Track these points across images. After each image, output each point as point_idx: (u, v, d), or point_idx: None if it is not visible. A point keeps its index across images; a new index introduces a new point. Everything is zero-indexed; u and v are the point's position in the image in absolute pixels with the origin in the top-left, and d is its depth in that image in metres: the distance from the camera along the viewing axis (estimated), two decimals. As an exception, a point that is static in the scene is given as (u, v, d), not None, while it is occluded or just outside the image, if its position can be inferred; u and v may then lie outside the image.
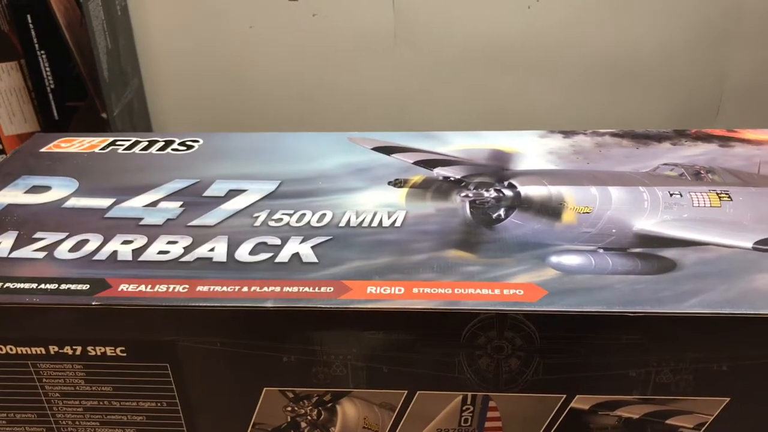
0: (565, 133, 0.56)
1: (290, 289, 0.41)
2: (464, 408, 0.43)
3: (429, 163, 0.53)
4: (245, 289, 0.41)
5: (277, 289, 0.41)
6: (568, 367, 0.41)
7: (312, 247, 0.45)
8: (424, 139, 0.56)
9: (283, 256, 0.44)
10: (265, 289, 0.41)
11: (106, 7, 1.11)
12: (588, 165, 0.52)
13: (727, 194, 0.48)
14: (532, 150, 0.54)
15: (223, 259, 0.44)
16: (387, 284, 0.41)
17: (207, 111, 1.32)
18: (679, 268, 0.42)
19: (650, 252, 0.43)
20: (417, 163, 0.53)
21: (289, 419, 0.44)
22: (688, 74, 1.25)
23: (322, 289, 0.41)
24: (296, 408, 0.44)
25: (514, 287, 0.41)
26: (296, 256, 0.44)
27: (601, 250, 0.44)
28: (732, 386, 0.41)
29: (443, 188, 0.50)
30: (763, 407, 0.41)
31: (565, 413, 0.43)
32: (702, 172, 0.50)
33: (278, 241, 0.45)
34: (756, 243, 0.43)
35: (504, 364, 0.41)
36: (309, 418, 0.44)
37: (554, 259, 0.43)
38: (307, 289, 0.41)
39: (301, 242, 0.45)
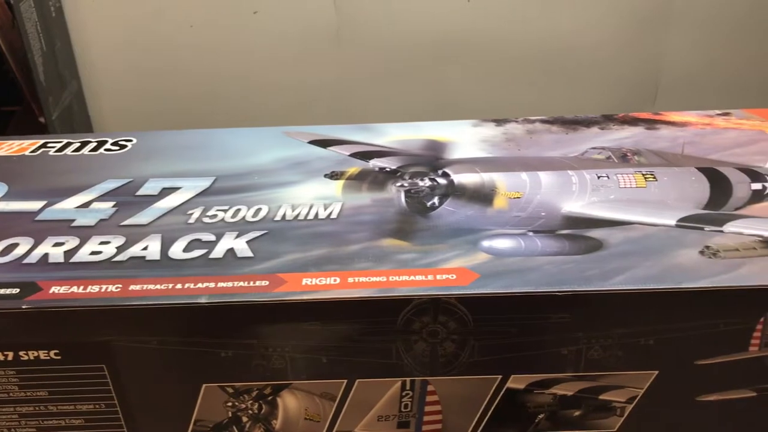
0: (497, 121, 0.57)
1: (225, 285, 0.41)
2: (404, 393, 0.44)
3: (365, 155, 0.53)
4: (179, 286, 0.41)
5: (212, 285, 0.41)
6: (502, 348, 0.42)
7: (247, 242, 0.44)
8: (361, 131, 0.57)
9: (218, 251, 0.44)
10: (199, 285, 0.41)
11: (39, 9, 1.08)
12: (519, 152, 0.53)
13: (652, 175, 0.49)
14: (465, 139, 0.55)
15: (157, 257, 0.44)
16: (323, 275, 0.42)
17: (149, 113, 1.30)
18: (605, 248, 0.43)
19: (578, 233, 0.44)
20: (353, 155, 0.53)
21: (230, 414, 0.44)
22: (624, 62, 1.28)
23: (257, 283, 0.41)
24: (237, 403, 0.44)
25: (446, 272, 0.41)
26: (231, 251, 0.44)
27: (531, 233, 0.45)
28: (659, 359, 0.42)
29: (379, 179, 0.50)
30: (689, 378, 0.43)
31: (501, 393, 0.43)
32: (628, 154, 0.52)
33: (213, 237, 0.45)
34: (679, 220, 0.45)
35: (440, 348, 0.42)
36: (250, 412, 0.44)
37: (486, 243, 0.44)
38: (241, 283, 0.41)
39: (236, 237, 0.45)
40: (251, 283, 0.41)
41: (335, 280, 0.41)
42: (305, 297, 0.40)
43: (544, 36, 1.24)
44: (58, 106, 1.15)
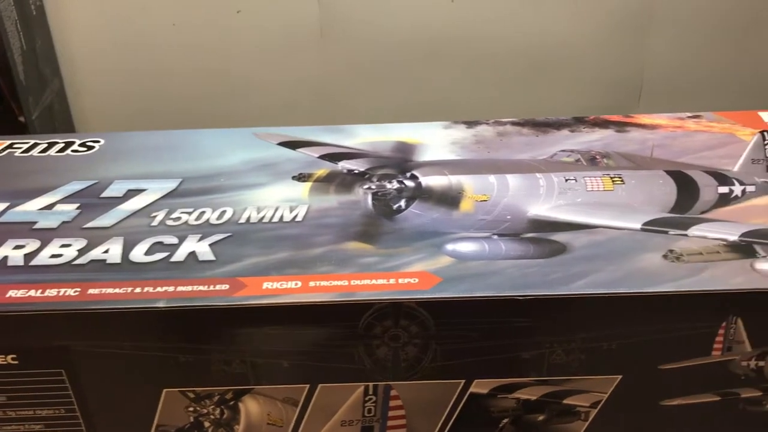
0: (468, 123, 0.57)
1: (184, 289, 0.41)
2: (367, 398, 0.43)
3: (334, 157, 0.53)
4: (138, 290, 0.41)
5: (171, 288, 0.41)
6: (465, 353, 0.42)
7: (210, 245, 0.44)
8: (331, 133, 0.56)
9: (179, 255, 0.43)
10: (159, 289, 0.41)
11: (20, 7, 1.07)
12: (488, 154, 0.53)
13: (620, 178, 0.49)
14: (436, 141, 0.55)
15: (118, 260, 0.43)
16: (284, 279, 0.41)
17: (132, 111, 1.29)
18: (569, 251, 0.43)
19: (542, 236, 0.44)
20: (322, 156, 0.53)
21: (192, 419, 0.44)
22: (608, 63, 1.28)
23: (217, 287, 0.41)
24: (198, 408, 0.43)
25: (409, 276, 0.41)
26: (192, 254, 0.43)
27: (496, 237, 0.44)
28: (622, 364, 0.42)
29: (347, 181, 0.50)
30: (653, 383, 0.43)
31: (465, 398, 0.43)
32: (597, 157, 0.52)
33: (175, 240, 0.44)
34: (644, 224, 0.45)
35: (402, 352, 0.41)
36: (212, 417, 0.44)
37: (449, 246, 0.43)
38: (201, 287, 0.41)
39: (199, 240, 0.44)
40: (211, 287, 0.41)
41: (296, 284, 0.41)
42: (264, 301, 0.40)
43: (528, 37, 1.24)
44: (38, 106, 1.14)
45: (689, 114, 0.57)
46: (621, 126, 0.56)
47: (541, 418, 0.44)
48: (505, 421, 0.44)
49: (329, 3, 1.21)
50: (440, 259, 0.42)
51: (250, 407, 0.44)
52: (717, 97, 1.30)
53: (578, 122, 0.56)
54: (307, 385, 0.43)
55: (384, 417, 0.44)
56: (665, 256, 0.42)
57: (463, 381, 0.43)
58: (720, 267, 0.41)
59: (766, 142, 0.53)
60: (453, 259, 0.42)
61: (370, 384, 0.43)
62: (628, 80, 1.30)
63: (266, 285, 0.41)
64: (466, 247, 0.43)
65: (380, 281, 0.41)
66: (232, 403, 0.43)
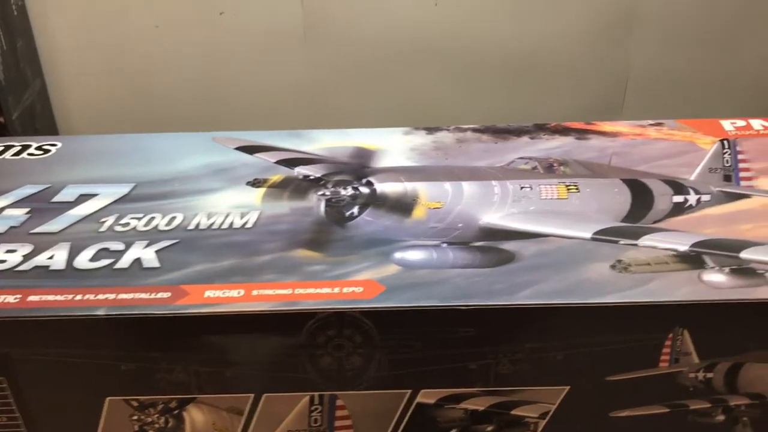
0: (428, 129, 0.57)
1: (125, 296, 0.40)
2: (312, 408, 0.43)
3: (291, 162, 0.52)
4: (78, 297, 0.40)
5: (112, 296, 0.40)
6: (410, 363, 0.41)
7: (156, 252, 0.44)
8: (290, 138, 0.56)
9: (124, 261, 0.43)
10: (100, 296, 0.40)
11: (1, 8, 1.07)
12: (446, 160, 0.53)
13: (575, 186, 0.49)
14: (395, 147, 0.55)
15: (62, 266, 0.43)
16: (227, 287, 0.41)
17: (116, 112, 1.29)
18: (517, 260, 0.42)
19: (491, 245, 0.44)
20: (279, 162, 0.53)
21: (136, 428, 0.43)
22: (592, 69, 1.28)
23: (159, 295, 0.40)
24: (142, 417, 0.43)
25: (354, 285, 0.41)
26: (138, 261, 0.43)
27: (445, 245, 0.44)
28: (570, 375, 0.42)
29: (302, 187, 0.50)
30: (601, 394, 0.42)
31: (412, 408, 0.43)
32: (555, 164, 0.51)
33: (122, 247, 0.44)
34: (595, 233, 0.44)
35: (346, 362, 0.41)
36: (157, 426, 0.43)
37: (398, 255, 0.43)
38: (142, 295, 0.40)
39: (146, 247, 0.44)
40: (152, 295, 0.40)
41: (239, 293, 0.40)
42: (203, 310, 0.39)
43: (512, 40, 1.24)
44: (19, 106, 1.13)
45: (651, 122, 0.57)
46: (581, 133, 0.55)
47: (489, 428, 0.44)
48: (453, 431, 0.44)
49: (312, 5, 1.20)
50: (387, 267, 0.42)
51: (195, 416, 0.43)
52: (701, 102, 1.30)
53: (539, 129, 0.56)
54: (252, 395, 0.42)
55: (330, 427, 0.44)
56: (613, 267, 0.41)
57: (410, 391, 0.42)
58: (667, 278, 0.41)
59: (725, 150, 0.52)
60: (400, 267, 0.42)
61: (316, 394, 0.42)
62: (612, 85, 1.30)
63: (208, 293, 0.40)
64: (413, 255, 0.43)
65: (325, 290, 0.40)
66: (176, 412, 0.43)
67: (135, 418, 0.43)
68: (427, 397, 0.42)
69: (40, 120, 1.23)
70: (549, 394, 0.42)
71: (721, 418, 0.44)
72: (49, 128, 1.27)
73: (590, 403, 0.43)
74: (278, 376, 0.41)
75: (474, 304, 0.39)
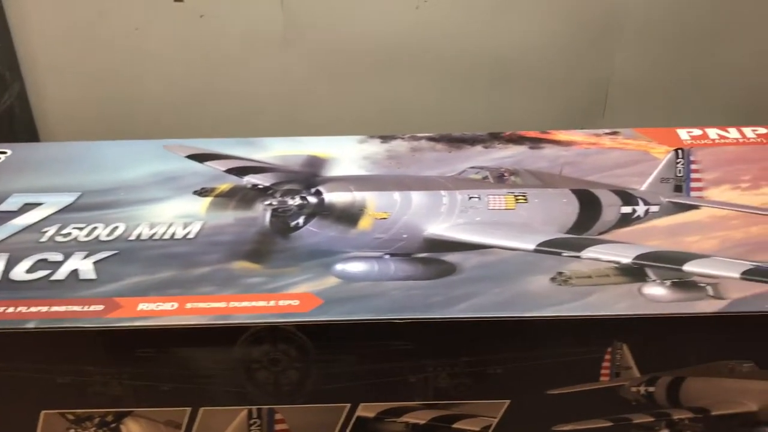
0: (383, 137, 0.56)
1: (58, 309, 0.39)
2: (251, 422, 0.42)
3: (241, 171, 0.52)
4: (11, 310, 0.39)
5: (45, 308, 0.39)
6: (348, 376, 0.41)
7: (94, 263, 0.43)
8: (242, 146, 0.55)
9: (61, 273, 0.42)
10: (32, 309, 0.40)
11: (-24, 10, 1.06)
12: (399, 170, 0.52)
13: (524, 196, 0.48)
14: (348, 155, 0.54)
15: (-3, 278, 0.42)
16: (161, 300, 0.40)
17: (96, 115, 1.28)
18: (458, 272, 0.42)
19: (434, 257, 0.43)
20: (229, 170, 0.52)
21: (73, 442, 0.43)
22: (574, 74, 1.27)
23: (92, 308, 0.40)
24: (79, 430, 0.42)
25: (290, 298, 0.40)
26: (74, 273, 0.42)
27: (387, 256, 0.44)
28: (510, 388, 0.41)
29: (249, 196, 0.49)
30: (542, 408, 0.42)
31: (353, 422, 0.42)
32: (506, 174, 0.51)
33: (60, 258, 0.43)
34: (538, 245, 0.44)
35: (283, 376, 0.40)
36: (94, 439, 0.43)
37: (339, 267, 0.42)
38: (75, 308, 0.40)
39: (84, 258, 0.43)
40: (85, 308, 0.39)
41: (173, 306, 0.40)
42: (135, 324, 0.39)
43: (493, 46, 1.23)
44: (-5, 109, 1.12)
45: (607, 131, 0.56)
46: (536, 142, 0.55)
47: (431, 442, 0.43)
48: (395, 445, 0.43)
49: (293, 9, 1.20)
50: (327, 279, 0.42)
51: (133, 429, 0.42)
52: (682, 110, 1.30)
53: (493, 138, 0.56)
54: (189, 408, 0.42)
55: (271, 440, 0.43)
56: (553, 279, 0.41)
57: (349, 405, 0.42)
58: (607, 291, 0.40)
59: (678, 160, 0.52)
60: (340, 279, 0.42)
61: (254, 407, 0.42)
62: (593, 90, 1.30)
63: (142, 306, 0.40)
64: (354, 267, 0.43)
65: (260, 303, 0.40)
66: (113, 425, 0.42)
67: (71, 431, 0.42)
68: (367, 410, 0.42)
69: (19, 123, 1.22)
70: (490, 408, 0.42)
71: None
72: (29, 132, 1.26)
73: (532, 417, 0.42)
74: (215, 389, 0.41)
75: (409, 318, 0.38)
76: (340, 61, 1.24)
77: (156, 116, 1.26)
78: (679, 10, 1.21)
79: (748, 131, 0.56)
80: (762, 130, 0.56)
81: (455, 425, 0.43)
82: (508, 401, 0.42)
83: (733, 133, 0.56)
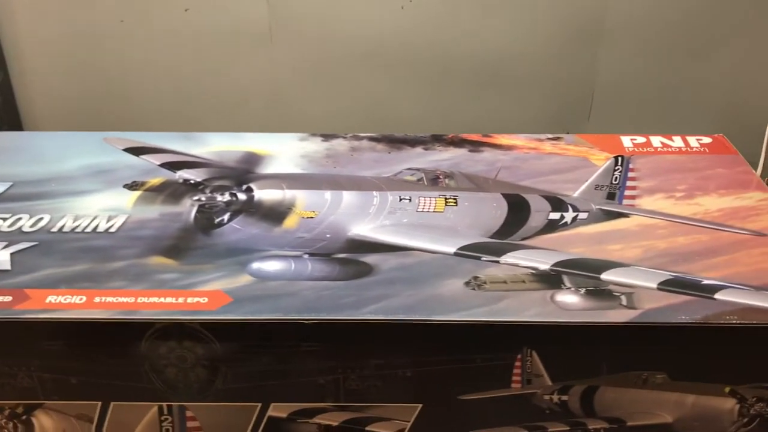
0: (324, 136, 0.56)
1: (-34, 299, 0.39)
2: (162, 418, 0.42)
3: (175, 165, 0.52)
4: None
5: (-47, 298, 0.39)
6: (257, 376, 0.40)
7: (11, 254, 0.43)
8: (181, 140, 0.55)
9: (-24, 263, 0.42)
10: (-59, 298, 0.39)
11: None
12: (335, 169, 0.52)
13: (454, 199, 0.48)
14: (286, 153, 0.54)
15: None
16: (70, 293, 0.40)
17: (80, 106, 1.28)
18: (374, 274, 0.42)
19: (352, 257, 0.43)
20: (163, 164, 0.52)
21: (-16, 433, 0.42)
22: (559, 77, 1.27)
23: (0, 299, 0.39)
24: (-11, 421, 0.42)
25: (200, 295, 0.40)
26: (-11, 263, 0.42)
27: (306, 256, 0.43)
28: (421, 392, 0.41)
29: (179, 191, 0.49)
30: (455, 413, 0.41)
31: (264, 421, 0.42)
32: (441, 177, 0.50)
33: (-21, 247, 0.43)
34: (459, 248, 0.43)
35: (191, 373, 0.40)
36: (5, 431, 0.42)
37: (255, 265, 0.42)
38: (-17, 298, 0.39)
39: (2, 248, 0.43)
40: (-7, 298, 0.39)
41: (81, 299, 0.39)
42: (41, 316, 0.38)
43: (479, 47, 1.23)
44: (-22, 98, 1.12)
45: (549, 136, 0.56)
46: (476, 145, 0.55)
47: (345, 444, 0.43)
48: (309, 446, 0.43)
49: (278, 4, 1.19)
50: (241, 278, 0.41)
51: (44, 422, 0.42)
52: (668, 113, 1.29)
53: (435, 140, 0.55)
54: (99, 402, 0.41)
55: (183, 438, 0.43)
56: (467, 283, 0.41)
57: (260, 404, 0.41)
58: (520, 297, 0.40)
59: (616, 167, 0.51)
60: (254, 278, 0.41)
61: (164, 404, 0.41)
62: (579, 94, 1.29)
63: (50, 299, 0.39)
64: (271, 266, 0.42)
65: (168, 299, 0.39)
66: (24, 417, 0.42)
67: (-19, 422, 0.42)
68: (279, 411, 0.42)
69: (4, 113, 1.22)
70: (402, 412, 0.42)
71: (581, 441, 0.43)
72: (13, 121, 1.26)
73: (445, 422, 0.42)
74: (124, 384, 0.41)
75: (315, 319, 0.38)
76: (325, 58, 1.23)
77: (140, 107, 1.26)
78: (665, 16, 1.20)
79: (693, 140, 0.55)
80: (706, 140, 0.56)
81: (368, 428, 0.42)
82: (420, 405, 0.41)
83: (677, 141, 0.55)
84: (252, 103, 1.26)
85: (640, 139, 0.55)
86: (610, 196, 0.49)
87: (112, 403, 0.41)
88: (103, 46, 1.21)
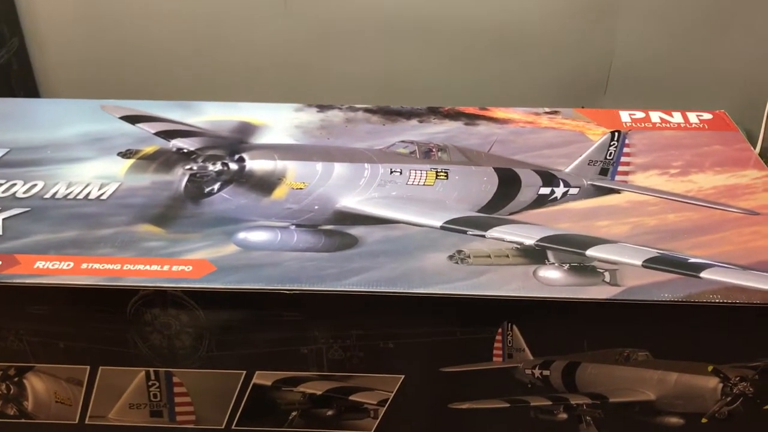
0: (320, 107, 0.56)
1: (-44, 263, 0.40)
2: (150, 383, 0.43)
3: (169, 134, 0.52)
4: None
5: (-57, 262, 0.40)
6: (241, 344, 0.41)
7: (3, 219, 0.43)
8: (177, 109, 0.55)
9: (-31, 228, 0.43)
10: (-68, 261, 0.40)
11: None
12: (328, 140, 0.52)
13: (445, 173, 0.48)
14: (281, 123, 0.54)
15: None
16: (58, 259, 0.40)
17: (97, 72, 1.28)
18: (358, 246, 0.42)
19: (339, 229, 0.43)
20: (158, 133, 0.52)
21: (-23, 394, 0.44)
22: (577, 49, 1.25)
23: (-10, 263, 0.40)
24: (-19, 382, 0.43)
25: (184, 264, 0.40)
26: (-19, 228, 0.43)
27: (293, 227, 0.43)
28: (403, 364, 0.41)
29: (171, 160, 0.49)
30: (437, 385, 0.42)
31: (249, 389, 0.43)
32: (433, 150, 0.50)
33: (-28, 213, 0.44)
34: (445, 222, 0.43)
35: (176, 340, 0.41)
36: (-1, 392, 0.44)
37: (241, 235, 0.42)
38: (-26, 262, 0.40)
39: (-5, 214, 0.44)
40: (-17, 263, 0.40)
41: (68, 265, 0.40)
42: (28, 281, 0.39)
43: (496, 17, 1.21)
44: (-8, 64, 1.13)
45: (547, 110, 0.55)
46: (472, 119, 0.54)
47: (329, 413, 0.44)
48: (294, 414, 0.44)
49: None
50: (227, 247, 0.42)
51: (36, 384, 0.43)
52: (684, 92, 1.27)
53: (431, 113, 0.55)
54: (88, 367, 0.42)
55: (171, 403, 0.43)
56: (451, 257, 0.41)
57: (245, 372, 0.42)
58: (502, 271, 0.40)
59: (612, 143, 0.51)
60: (240, 248, 0.41)
61: (151, 369, 0.42)
62: (595, 66, 1.27)
63: (39, 264, 0.40)
64: (257, 236, 0.42)
65: (153, 267, 0.40)
66: (16, 379, 0.43)
67: (-26, 383, 0.43)
68: (264, 378, 0.42)
69: (17, 79, 1.23)
70: (385, 382, 0.42)
71: (563, 416, 0.43)
72: (29, 87, 1.27)
73: (427, 394, 0.42)
74: (111, 350, 0.41)
75: (296, 289, 0.38)
76: (340, 28, 1.22)
77: (154, 74, 1.26)
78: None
79: (693, 116, 0.55)
80: (707, 116, 0.55)
81: (352, 397, 0.43)
82: (402, 376, 0.42)
83: (676, 117, 0.54)
84: (267, 71, 1.26)
85: (639, 115, 0.55)
86: (603, 172, 0.49)
87: (100, 368, 0.42)
88: (119, 12, 1.21)
